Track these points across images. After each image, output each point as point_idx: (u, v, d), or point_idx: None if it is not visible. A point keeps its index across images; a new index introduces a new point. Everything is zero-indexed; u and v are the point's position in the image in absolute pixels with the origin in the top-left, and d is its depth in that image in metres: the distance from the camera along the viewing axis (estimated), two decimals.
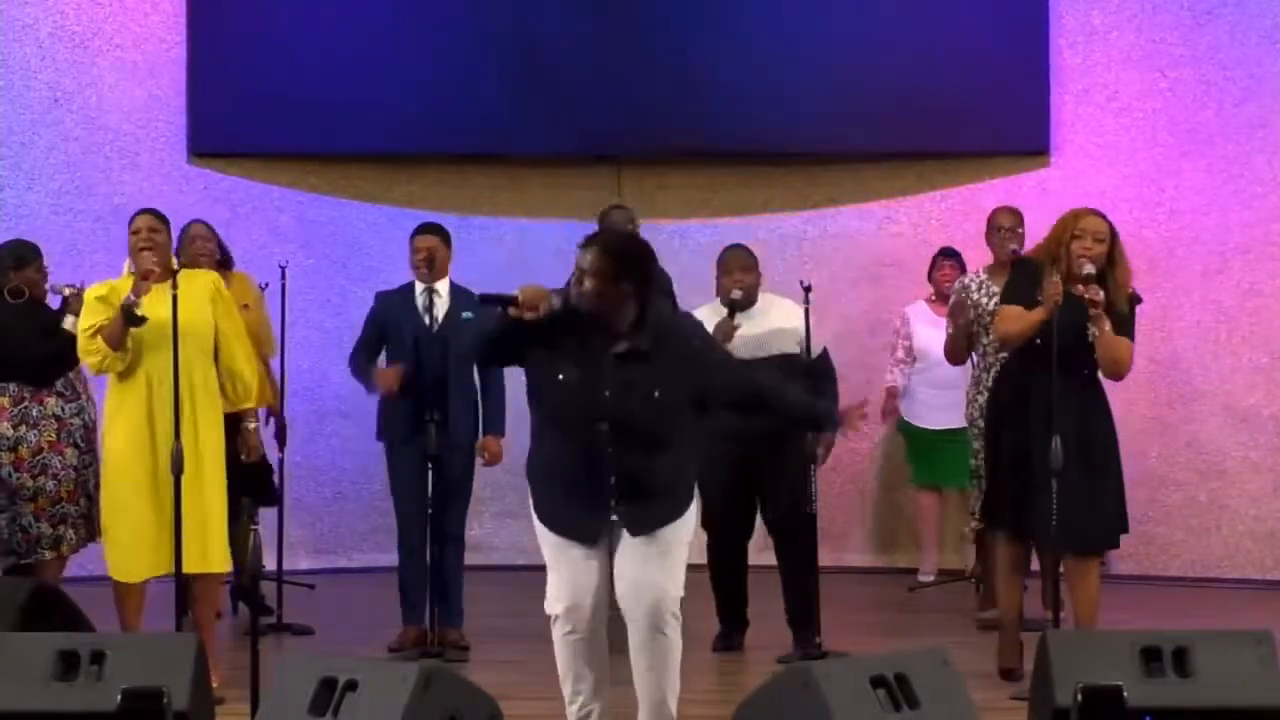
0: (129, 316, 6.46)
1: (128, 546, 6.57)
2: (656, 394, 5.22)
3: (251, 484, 7.59)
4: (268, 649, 6.47)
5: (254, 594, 5.87)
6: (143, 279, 6.49)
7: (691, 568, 5.46)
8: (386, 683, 4.75)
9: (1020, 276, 6.72)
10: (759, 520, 7.66)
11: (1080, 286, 6.40)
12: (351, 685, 4.78)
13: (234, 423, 6.91)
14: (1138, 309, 6.69)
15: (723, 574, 7.64)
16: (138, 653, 5.07)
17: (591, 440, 5.23)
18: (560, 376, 5.23)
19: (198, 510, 6.47)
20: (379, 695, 4.72)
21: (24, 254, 7.38)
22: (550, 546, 5.38)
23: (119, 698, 4.90)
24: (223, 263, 8.01)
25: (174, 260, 6.74)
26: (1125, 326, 6.58)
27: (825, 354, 7.47)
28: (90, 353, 6.60)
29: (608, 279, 5.17)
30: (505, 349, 5.37)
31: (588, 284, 5.17)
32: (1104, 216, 6.73)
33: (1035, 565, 7.16)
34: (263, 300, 8.35)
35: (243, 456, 7.03)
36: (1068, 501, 6.33)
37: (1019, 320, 6.58)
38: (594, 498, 5.27)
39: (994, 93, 9.91)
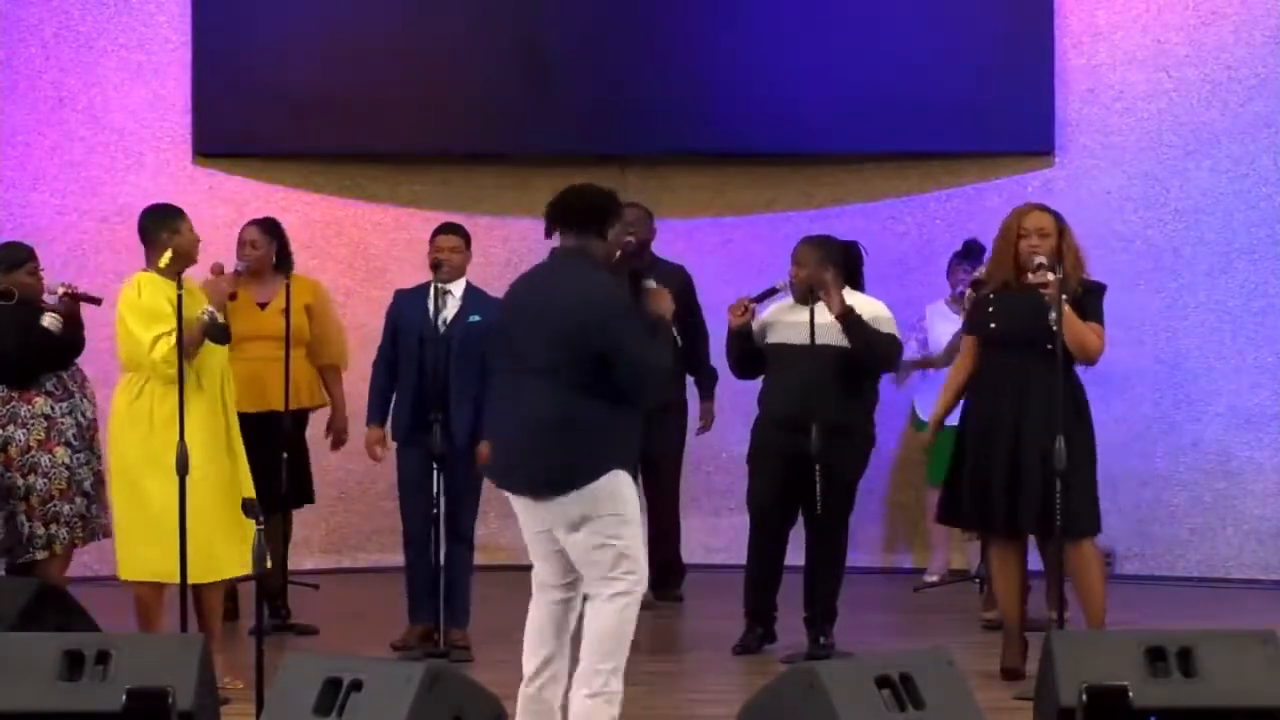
0: (214, 331, 6.56)
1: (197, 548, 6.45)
2: None
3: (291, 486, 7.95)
4: (272, 649, 6.45)
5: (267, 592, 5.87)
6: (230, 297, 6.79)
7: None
8: (391, 683, 4.75)
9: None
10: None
11: (1032, 275, 6.55)
12: (356, 685, 4.78)
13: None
14: (1105, 295, 6.81)
15: (758, 570, 7.56)
16: (142, 653, 5.08)
17: None
18: None
19: (234, 512, 6.47)
20: (383, 695, 4.73)
21: (15, 256, 7.31)
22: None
23: (124, 698, 4.91)
24: (279, 266, 8.04)
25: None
26: (1085, 312, 6.69)
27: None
28: (170, 363, 6.47)
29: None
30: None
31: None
32: (1048, 210, 6.84)
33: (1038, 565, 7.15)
34: (328, 302, 8.40)
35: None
36: (1045, 489, 6.44)
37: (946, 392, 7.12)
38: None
39: (999, 93, 9.88)
